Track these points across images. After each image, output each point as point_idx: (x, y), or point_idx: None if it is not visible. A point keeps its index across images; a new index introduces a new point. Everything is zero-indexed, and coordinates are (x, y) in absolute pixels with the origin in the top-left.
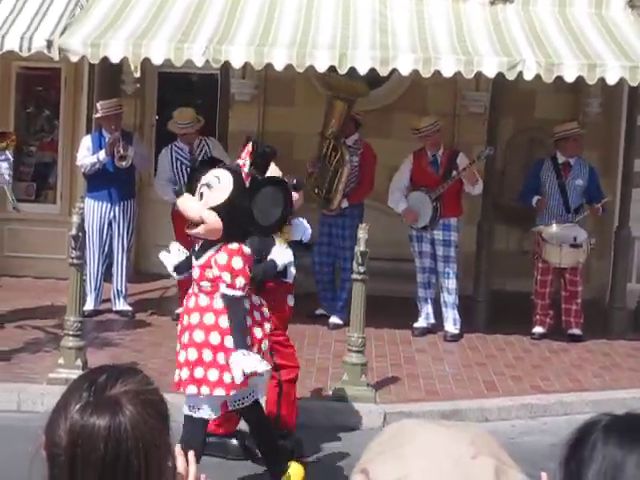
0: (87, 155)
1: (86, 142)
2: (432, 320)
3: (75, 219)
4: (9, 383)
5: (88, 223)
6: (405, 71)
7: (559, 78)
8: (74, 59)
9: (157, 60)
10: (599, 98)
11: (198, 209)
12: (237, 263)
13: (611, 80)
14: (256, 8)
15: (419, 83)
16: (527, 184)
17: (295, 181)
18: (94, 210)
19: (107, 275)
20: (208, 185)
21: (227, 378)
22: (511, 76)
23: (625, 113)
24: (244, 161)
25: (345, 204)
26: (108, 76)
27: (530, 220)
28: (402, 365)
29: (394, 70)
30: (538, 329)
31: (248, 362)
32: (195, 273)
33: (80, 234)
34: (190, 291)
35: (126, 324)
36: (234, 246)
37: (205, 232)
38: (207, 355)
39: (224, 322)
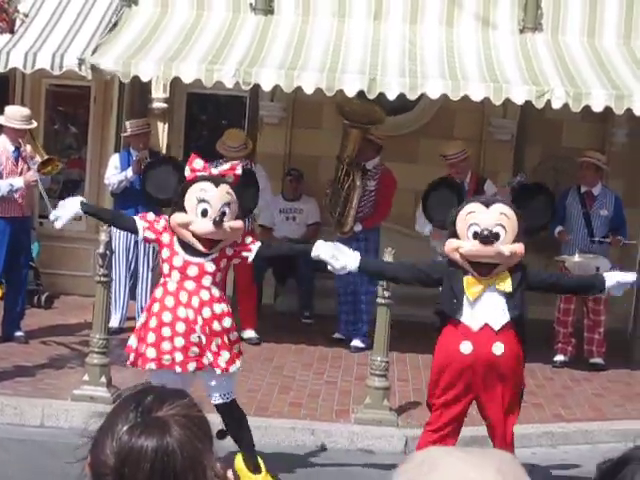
0: (115, 174)
1: (114, 161)
2: None
3: (103, 237)
4: (33, 398)
5: (115, 241)
6: (434, 95)
7: (586, 107)
8: (105, 78)
9: (187, 80)
10: (625, 128)
11: None
12: None
13: (638, 111)
14: (286, 33)
15: (447, 109)
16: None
17: None
18: None
19: (132, 293)
20: None
21: None
22: (539, 104)
23: None
24: None
25: (359, 228)
26: (137, 96)
27: (554, 248)
28: (424, 390)
29: (422, 95)
30: (560, 357)
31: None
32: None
33: (108, 252)
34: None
35: None
36: None
37: None
38: None
39: None
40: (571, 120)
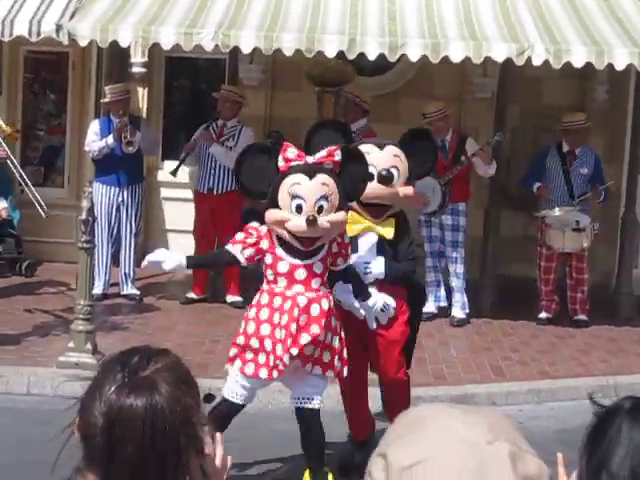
0: (95, 140)
1: (94, 127)
2: (441, 303)
3: (85, 203)
4: (19, 366)
5: (96, 207)
6: (414, 57)
7: (566, 64)
8: (83, 43)
9: (166, 45)
10: (606, 85)
11: None
12: None
13: (619, 66)
14: None
15: (427, 68)
16: (531, 169)
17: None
18: (102, 194)
19: (115, 259)
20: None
21: None
22: (520, 62)
23: (632, 99)
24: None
25: None
26: (116, 60)
27: (535, 206)
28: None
29: (402, 55)
30: (544, 314)
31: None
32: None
33: (90, 218)
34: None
35: (134, 308)
36: None
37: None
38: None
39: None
40: (551, 77)
